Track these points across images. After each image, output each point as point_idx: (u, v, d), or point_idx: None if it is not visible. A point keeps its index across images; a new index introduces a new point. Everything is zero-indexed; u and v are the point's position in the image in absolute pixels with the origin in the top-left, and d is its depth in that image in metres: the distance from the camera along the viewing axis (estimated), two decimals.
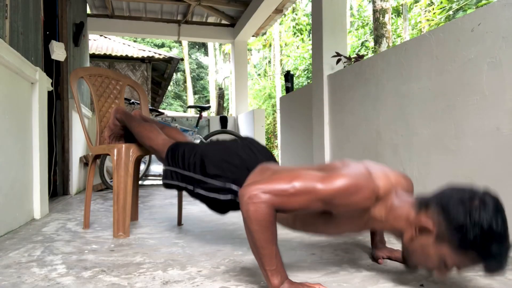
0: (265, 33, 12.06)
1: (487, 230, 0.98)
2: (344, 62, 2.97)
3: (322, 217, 1.24)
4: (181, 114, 18.25)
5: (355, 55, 2.94)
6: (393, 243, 1.77)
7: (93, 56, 7.27)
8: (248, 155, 1.54)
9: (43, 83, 2.68)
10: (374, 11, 7.47)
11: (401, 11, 14.55)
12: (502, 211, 1.02)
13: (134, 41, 12.84)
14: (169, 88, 20.08)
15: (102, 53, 7.56)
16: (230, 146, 1.60)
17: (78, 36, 4.40)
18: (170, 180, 1.68)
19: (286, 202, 1.09)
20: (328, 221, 1.23)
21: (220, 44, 19.17)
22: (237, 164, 1.49)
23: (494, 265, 1.00)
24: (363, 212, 1.16)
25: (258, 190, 1.08)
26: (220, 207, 1.54)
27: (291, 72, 4.09)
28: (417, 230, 1.09)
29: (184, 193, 1.72)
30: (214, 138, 4.98)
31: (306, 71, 14.39)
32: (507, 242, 1.01)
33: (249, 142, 1.63)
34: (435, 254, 1.07)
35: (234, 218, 2.57)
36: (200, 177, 1.54)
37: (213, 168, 1.51)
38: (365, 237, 1.90)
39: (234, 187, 1.45)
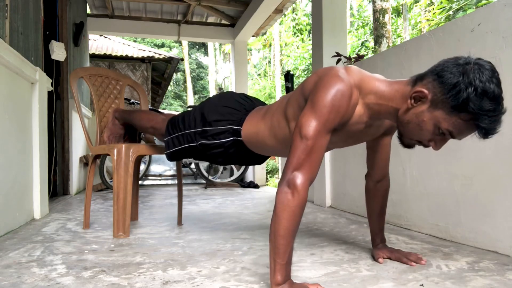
0: (265, 33, 12.06)
1: (481, 89, 1.00)
2: (344, 62, 2.97)
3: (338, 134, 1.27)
4: None
5: (355, 55, 2.94)
6: (393, 243, 1.77)
7: (93, 56, 7.27)
8: (245, 101, 1.64)
9: (43, 83, 2.68)
10: (374, 11, 7.47)
11: (401, 11, 14.54)
12: (497, 74, 1.04)
13: (134, 41, 12.82)
14: (169, 88, 20.06)
15: (102, 53, 7.56)
16: (226, 95, 1.70)
17: (78, 36, 4.40)
18: (172, 148, 1.73)
19: (314, 159, 1.11)
20: (334, 139, 1.27)
21: (220, 44, 19.17)
22: (236, 107, 1.58)
23: (487, 123, 1.01)
24: (362, 111, 1.20)
25: (294, 176, 1.09)
26: (225, 155, 1.60)
27: (291, 72, 4.08)
28: (412, 99, 1.11)
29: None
30: None
31: (306, 71, 14.38)
32: (501, 102, 1.02)
33: (244, 94, 1.74)
34: (430, 121, 1.08)
35: (234, 218, 2.57)
36: (202, 129, 1.61)
37: (213, 114, 1.59)
38: (365, 237, 1.90)
39: (235, 127, 1.53)
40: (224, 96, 1.69)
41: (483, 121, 1.01)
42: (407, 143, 1.21)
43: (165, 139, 1.77)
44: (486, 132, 1.03)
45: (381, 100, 1.19)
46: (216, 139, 1.56)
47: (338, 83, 1.13)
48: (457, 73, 1.03)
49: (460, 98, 1.01)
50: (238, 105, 1.60)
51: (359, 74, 1.21)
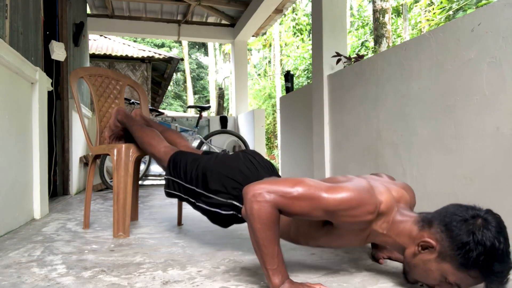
0: (265, 33, 12.06)
1: (489, 249, 0.98)
2: (344, 62, 2.97)
3: (324, 229, 1.24)
4: (181, 114, 18.25)
5: (355, 55, 2.93)
6: None
7: (93, 56, 7.26)
8: (250, 171, 1.53)
9: (43, 83, 2.68)
10: (374, 11, 7.47)
11: (401, 11, 14.54)
12: (504, 230, 1.03)
13: (134, 41, 12.83)
14: (169, 88, 20.07)
15: (102, 53, 7.55)
16: (232, 161, 1.59)
17: (78, 36, 4.40)
18: (172, 190, 1.69)
19: (289, 205, 1.10)
20: (329, 233, 1.24)
21: (220, 44, 19.17)
22: (239, 180, 1.49)
23: (496, 284, 1.00)
24: (365, 226, 1.17)
25: (263, 189, 1.09)
26: (222, 221, 1.54)
27: (291, 72, 4.08)
28: (419, 246, 1.09)
29: None
30: (213, 137, 4.98)
31: (306, 71, 14.38)
32: (509, 262, 1.01)
33: (251, 156, 1.62)
34: (437, 271, 1.07)
35: None
36: (202, 192, 1.54)
37: (215, 184, 1.50)
38: None
39: (236, 203, 1.44)
40: (229, 165, 1.56)
41: (492, 281, 1.00)
42: (412, 281, 1.18)
43: (166, 176, 1.72)
44: None
45: (390, 232, 1.17)
46: (215, 207, 1.49)
47: (368, 198, 1.11)
48: (465, 232, 1.02)
49: (470, 259, 1.00)
50: (242, 178, 1.49)
51: (392, 200, 1.18)
